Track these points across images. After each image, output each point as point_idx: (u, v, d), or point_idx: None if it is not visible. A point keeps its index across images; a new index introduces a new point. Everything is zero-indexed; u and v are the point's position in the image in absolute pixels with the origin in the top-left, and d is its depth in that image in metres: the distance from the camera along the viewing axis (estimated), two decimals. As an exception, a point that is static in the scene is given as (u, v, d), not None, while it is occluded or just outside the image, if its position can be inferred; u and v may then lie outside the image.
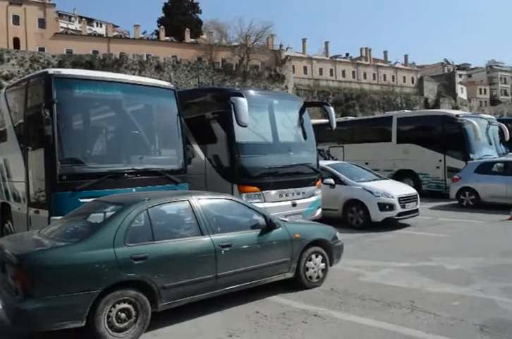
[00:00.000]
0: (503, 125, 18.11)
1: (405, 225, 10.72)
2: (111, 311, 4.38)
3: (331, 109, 10.11)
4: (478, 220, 11.23)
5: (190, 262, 4.88)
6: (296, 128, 9.60)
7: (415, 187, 12.86)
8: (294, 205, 8.93)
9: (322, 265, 6.08)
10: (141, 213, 4.82)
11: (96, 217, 5.12)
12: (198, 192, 5.73)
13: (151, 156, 7.69)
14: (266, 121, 9.00)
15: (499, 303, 5.27)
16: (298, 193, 9.10)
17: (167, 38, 60.59)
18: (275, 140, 9.02)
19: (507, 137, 17.98)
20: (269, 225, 5.52)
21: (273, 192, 8.66)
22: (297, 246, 5.78)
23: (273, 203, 8.57)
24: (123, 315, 4.45)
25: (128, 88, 7.47)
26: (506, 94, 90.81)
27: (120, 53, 51.45)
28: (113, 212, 4.88)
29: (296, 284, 5.92)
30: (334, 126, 10.09)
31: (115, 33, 63.30)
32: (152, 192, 6.23)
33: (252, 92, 9.20)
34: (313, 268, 5.96)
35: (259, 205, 8.03)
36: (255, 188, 8.40)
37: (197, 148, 9.07)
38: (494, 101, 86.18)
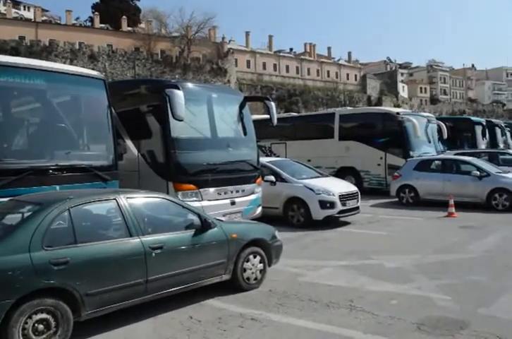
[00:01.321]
0: (442, 123, 18.98)
1: (346, 223, 10.94)
2: (26, 323, 4.09)
3: (272, 104, 10.12)
4: (417, 217, 11.67)
5: (117, 266, 4.65)
6: (236, 123, 9.53)
7: (356, 184, 13.18)
8: (233, 203, 8.86)
9: (260, 265, 6.04)
10: (62, 213, 4.53)
11: (12, 219, 4.77)
12: (127, 190, 5.49)
13: (78, 151, 7.31)
14: (204, 115, 8.85)
15: (436, 300, 5.44)
16: (237, 191, 9.04)
17: (102, 25, 58.52)
18: (213, 136, 8.89)
19: (445, 135, 18.85)
20: (204, 225, 5.39)
21: (211, 190, 8.53)
22: (234, 247, 5.70)
23: (211, 202, 8.46)
24: (40, 326, 4.17)
25: (52, 77, 7.03)
26: (445, 93, 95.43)
27: (50, 40, 49.04)
28: (30, 213, 4.57)
29: (233, 286, 5.84)
30: (275, 121, 10.11)
31: (44, 18, 60.26)
32: (76, 190, 5.91)
33: (189, 84, 9.01)
34: (251, 269, 5.91)
35: (196, 204, 7.93)
36: (192, 185, 8.24)
37: (129, 143, 8.75)
38: (433, 100, 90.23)
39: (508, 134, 24.49)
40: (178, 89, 7.87)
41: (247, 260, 5.87)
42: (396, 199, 14.24)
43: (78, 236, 4.52)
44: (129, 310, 4.91)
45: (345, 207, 10.57)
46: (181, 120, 7.85)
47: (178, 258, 5.13)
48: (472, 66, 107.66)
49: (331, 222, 10.59)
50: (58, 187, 6.54)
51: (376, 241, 8.97)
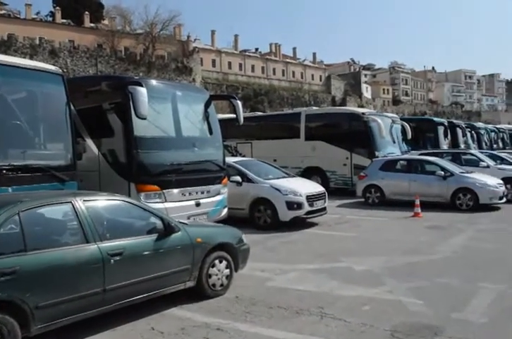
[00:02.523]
0: (406, 124, 19.18)
1: (314, 224, 10.79)
2: (-32, 340, 3.68)
3: (239, 102, 9.86)
4: (383, 218, 11.66)
5: (72, 275, 4.28)
6: (201, 122, 9.24)
7: (322, 184, 13.08)
8: (198, 204, 8.57)
9: (227, 271, 5.76)
10: (11, 218, 4.11)
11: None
12: (84, 192, 5.12)
13: (34, 150, 6.85)
14: (169, 113, 8.53)
15: (408, 304, 5.29)
16: (203, 192, 8.75)
17: (64, 21, 56.77)
18: (178, 135, 8.59)
19: (409, 135, 19.06)
20: (167, 229, 5.08)
21: (175, 191, 8.22)
22: (199, 252, 5.40)
23: (176, 203, 8.15)
24: (-16, 343, 3.77)
25: (6, 71, 6.54)
26: (406, 94, 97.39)
27: (9, 34, 47.07)
28: (-26, 218, 4.13)
29: (198, 293, 5.54)
30: (242, 120, 9.86)
31: (2, 12, 57.99)
32: (29, 192, 5.46)
33: (152, 81, 8.66)
34: (216, 275, 5.62)
35: (160, 206, 7.68)
36: (155, 186, 7.90)
37: (90, 142, 8.31)
38: (395, 101, 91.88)
39: (469, 135, 25.01)
40: (141, 86, 7.54)
41: (213, 266, 5.58)
42: (362, 199, 14.22)
43: (29, 242, 4.12)
44: (85, 322, 4.52)
45: (312, 208, 10.42)
46: (144, 118, 7.53)
47: (138, 264, 4.79)
48: (433, 68, 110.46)
49: (298, 224, 10.41)
50: (10, 189, 6.08)
51: (344, 243, 8.84)
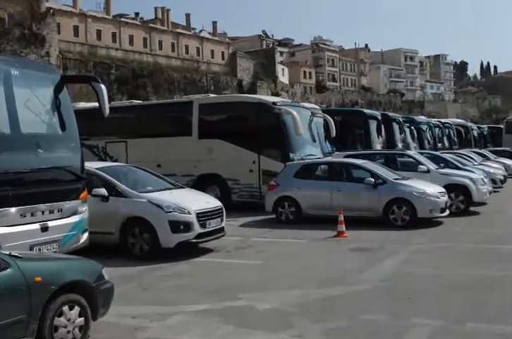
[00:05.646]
0: (329, 117, 19.93)
1: (207, 251, 10.92)
2: None
3: (102, 86, 9.66)
4: (299, 240, 12.07)
5: None
6: (49, 113, 9.03)
7: (222, 197, 13.25)
8: (45, 229, 8.32)
9: (80, 320, 5.63)
10: None
11: None
12: None
13: None
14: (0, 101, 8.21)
15: (320, 352, 5.50)
16: (52, 211, 8.52)
17: None
18: (14, 131, 8.28)
19: (333, 132, 19.79)
20: (-11, 266, 4.86)
21: (11, 210, 7.92)
22: (39, 295, 5.21)
23: (12, 228, 7.86)
24: None
25: None
26: (333, 79, 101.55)
27: None
28: None
29: (40, 353, 5.36)
30: (107, 111, 9.67)
31: None
32: None
33: (-26, 55, 8.30)
34: (65, 327, 5.46)
35: None
36: (-20, 204, 7.56)
37: None
38: (320, 87, 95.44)
39: (407, 131, 26.44)
40: (-43, 62, 7.21)
41: (60, 314, 5.42)
42: (273, 216, 14.56)
43: None
44: None
45: (205, 230, 10.50)
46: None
47: None
48: (366, 46, 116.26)
49: (187, 250, 10.45)
50: None
51: (246, 274, 9.02)
